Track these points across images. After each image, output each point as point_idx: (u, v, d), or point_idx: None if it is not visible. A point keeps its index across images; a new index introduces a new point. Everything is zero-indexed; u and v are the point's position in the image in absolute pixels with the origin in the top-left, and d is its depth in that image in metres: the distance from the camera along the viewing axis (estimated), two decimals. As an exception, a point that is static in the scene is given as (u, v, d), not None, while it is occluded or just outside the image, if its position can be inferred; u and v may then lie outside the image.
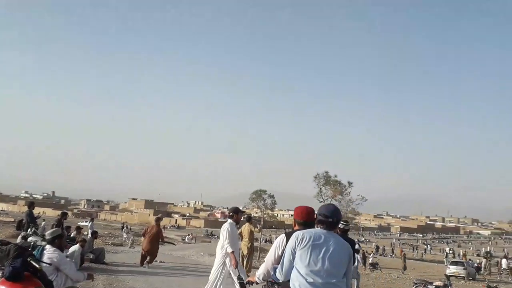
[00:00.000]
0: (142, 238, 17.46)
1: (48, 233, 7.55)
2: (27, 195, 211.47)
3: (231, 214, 9.49)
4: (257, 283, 4.81)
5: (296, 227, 4.82)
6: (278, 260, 4.37)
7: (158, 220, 17.21)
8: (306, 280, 3.81)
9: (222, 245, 8.97)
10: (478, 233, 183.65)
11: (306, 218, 4.79)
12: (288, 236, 4.45)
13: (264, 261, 4.73)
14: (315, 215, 4.70)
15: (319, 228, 4.13)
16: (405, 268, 39.12)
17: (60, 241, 7.62)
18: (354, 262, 5.12)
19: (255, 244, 21.42)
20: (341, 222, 7.29)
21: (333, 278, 3.85)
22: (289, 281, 3.97)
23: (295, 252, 3.96)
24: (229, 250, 8.81)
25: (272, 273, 4.25)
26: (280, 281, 4.10)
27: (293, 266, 3.97)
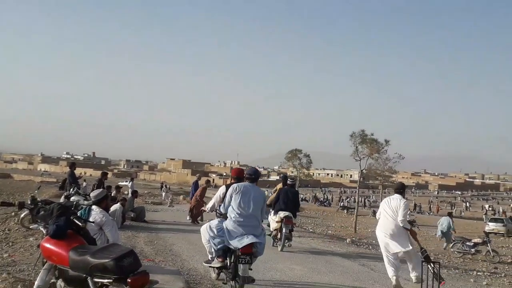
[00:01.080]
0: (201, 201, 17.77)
1: (93, 195, 7.80)
2: (68, 156, 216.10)
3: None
4: (205, 211, 8.54)
5: (232, 181, 7.89)
6: (220, 201, 7.63)
7: (205, 181, 19.81)
8: (237, 212, 6.57)
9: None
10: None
11: (237, 175, 7.93)
12: (227, 187, 7.48)
13: (213, 198, 7.92)
14: (244, 173, 7.56)
15: (247, 182, 6.97)
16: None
17: (106, 202, 7.87)
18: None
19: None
20: (289, 179, 12.82)
21: (253, 212, 6.64)
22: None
23: (232, 196, 6.72)
24: (407, 226, 8.27)
25: (217, 207, 7.45)
26: (223, 213, 6.90)
27: (230, 205, 6.70)
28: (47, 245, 4.75)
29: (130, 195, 19.32)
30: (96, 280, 4.24)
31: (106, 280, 4.17)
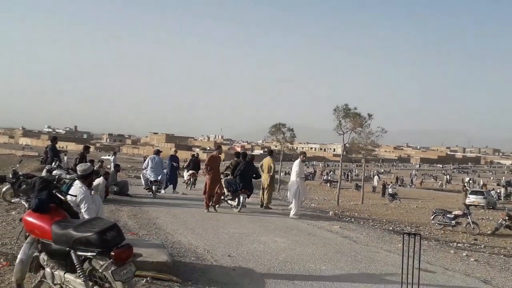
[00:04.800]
0: (205, 173, 13.90)
1: (80, 169, 7.29)
2: (50, 130, 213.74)
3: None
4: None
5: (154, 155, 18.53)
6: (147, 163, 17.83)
7: (219, 148, 14.90)
8: (150, 166, 17.25)
9: None
10: (499, 163, 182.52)
11: (154, 153, 18.48)
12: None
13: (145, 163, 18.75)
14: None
15: (155, 155, 18.24)
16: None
17: (91, 178, 7.58)
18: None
19: (276, 176, 21.69)
20: (194, 154, 29.20)
21: (157, 166, 17.36)
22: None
23: (149, 160, 17.69)
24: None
25: (145, 166, 18.12)
26: (148, 167, 17.56)
27: (148, 163, 17.57)
28: (30, 219, 4.73)
29: (112, 169, 19.25)
30: (79, 253, 4.24)
31: (89, 254, 4.17)
